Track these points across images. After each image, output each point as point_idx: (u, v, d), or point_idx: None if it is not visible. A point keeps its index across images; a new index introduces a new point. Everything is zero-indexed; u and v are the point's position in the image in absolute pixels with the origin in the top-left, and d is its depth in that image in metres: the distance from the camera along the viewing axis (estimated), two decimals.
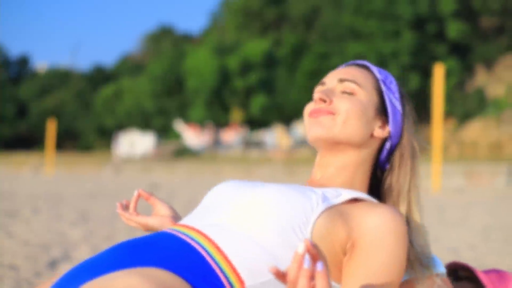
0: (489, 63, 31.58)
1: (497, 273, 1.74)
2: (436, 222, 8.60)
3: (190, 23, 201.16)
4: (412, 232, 1.49)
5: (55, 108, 58.28)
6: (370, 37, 31.16)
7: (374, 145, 1.60)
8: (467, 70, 31.75)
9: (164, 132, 46.28)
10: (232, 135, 48.34)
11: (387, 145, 1.59)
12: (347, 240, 1.40)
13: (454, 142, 28.44)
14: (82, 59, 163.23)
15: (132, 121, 43.56)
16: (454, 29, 29.32)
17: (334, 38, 34.78)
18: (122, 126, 47.45)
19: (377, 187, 1.62)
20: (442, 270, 1.58)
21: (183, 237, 1.39)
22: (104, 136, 52.45)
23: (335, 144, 1.55)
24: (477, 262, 5.58)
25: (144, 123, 42.90)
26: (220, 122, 36.92)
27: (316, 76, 35.55)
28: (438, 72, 15.14)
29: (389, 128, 1.59)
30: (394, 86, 1.63)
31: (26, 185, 18.27)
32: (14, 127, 58.94)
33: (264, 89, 35.07)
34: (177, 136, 50.60)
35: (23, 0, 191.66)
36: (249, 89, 34.97)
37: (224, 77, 34.49)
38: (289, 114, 37.26)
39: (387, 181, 1.58)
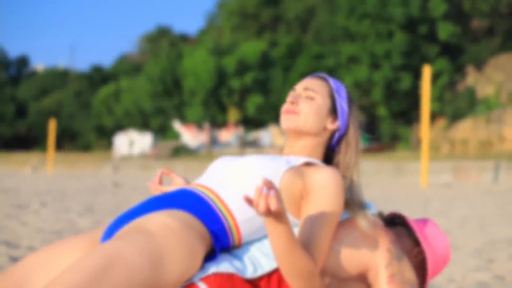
0: (479, 64, 31.93)
1: (424, 221, 2.32)
2: (419, 213, 9.20)
3: (187, 24, 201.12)
4: (352, 187, 2.14)
5: (53, 108, 58.45)
6: (363, 38, 31.53)
7: (326, 135, 2.25)
8: (458, 70, 32.07)
9: (162, 131, 46.61)
10: (228, 135, 48.83)
11: (337, 134, 2.26)
12: (303, 188, 2.07)
13: (445, 140, 28.87)
14: (80, 60, 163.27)
15: (131, 121, 43.86)
16: (445, 31, 29.60)
17: (328, 39, 35.16)
18: (120, 126, 47.72)
19: (327, 162, 2.28)
20: (374, 211, 2.19)
21: (195, 190, 2.06)
22: (103, 136, 52.67)
23: (298, 133, 2.21)
24: (451, 245, 6.18)
25: (142, 123, 43.20)
26: (217, 122, 37.34)
27: None
28: (426, 73, 15.64)
29: (337, 123, 2.23)
30: (344, 93, 2.27)
31: (29, 182, 18.77)
32: (13, 127, 59.06)
33: (260, 89, 35.46)
34: (175, 135, 50.99)
35: (21, 2, 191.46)
36: (245, 89, 35.35)
37: (221, 78, 34.83)
38: None
39: (336, 159, 2.25)
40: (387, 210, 7.47)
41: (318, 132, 2.20)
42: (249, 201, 1.75)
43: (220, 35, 47.99)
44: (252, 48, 35.65)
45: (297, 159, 2.15)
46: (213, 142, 42.20)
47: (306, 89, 2.23)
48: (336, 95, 2.23)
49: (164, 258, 1.81)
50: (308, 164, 2.15)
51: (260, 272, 2.00)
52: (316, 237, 1.95)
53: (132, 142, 48.42)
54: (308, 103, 2.19)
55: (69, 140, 60.07)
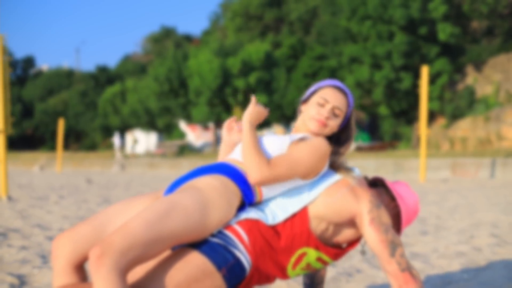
0: (479, 64, 32.33)
1: (399, 183, 2.99)
2: None
3: (191, 25, 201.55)
4: (341, 157, 2.88)
5: (59, 108, 58.99)
6: (365, 39, 31.97)
7: None
8: (458, 70, 32.47)
9: (169, 130, 47.14)
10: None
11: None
12: None
13: (445, 138, 29.37)
14: (85, 61, 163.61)
15: (137, 120, 44.39)
16: (445, 32, 29.95)
17: (330, 40, 35.68)
18: (127, 125, 48.25)
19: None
20: (359, 173, 2.86)
21: (228, 163, 2.84)
22: (109, 135, 53.18)
23: (320, 134, 2.91)
24: (438, 225, 6.84)
25: (148, 122, 43.70)
26: (222, 121, 37.84)
27: (314, 76, 36.59)
28: (424, 73, 16.19)
29: (342, 124, 2.97)
30: (352, 104, 2.96)
31: (42, 179, 19.40)
32: (19, 127, 59.54)
33: (264, 89, 35.92)
34: (180, 135, 51.54)
35: (26, 3, 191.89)
36: (250, 89, 35.82)
37: (226, 78, 35.29)
38: (287, 114, 38.14)
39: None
40: None
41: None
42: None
43: (224, 36, 48.53)
44: (256, 48, 36.14)
45: (296, 135, 2.90)
46: (218, 140, 42.74)
47: (337, 108, 2.90)
48: (349, 109, 2.96)
49: (210, 206, 2.54)
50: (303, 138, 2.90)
51: (277, 220, 2.74)
52: (281, 156, 2.73)
53: (137, 142, 49.03)
54: (335, 120, 2.90)
55: (75, 139, 60.66)
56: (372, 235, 2.69)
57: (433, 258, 4.69)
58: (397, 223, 2.91)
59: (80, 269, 2.65)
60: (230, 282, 2.53)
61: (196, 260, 2.48)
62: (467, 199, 10.51)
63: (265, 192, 2.76)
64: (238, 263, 2.54)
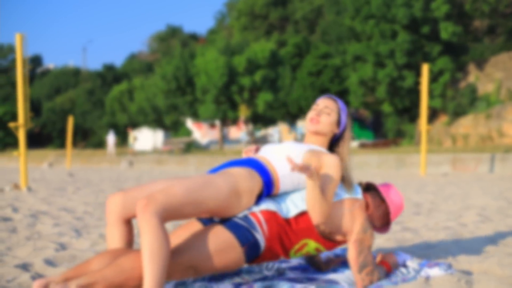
0: (480, 62, 32.79)
1: (387, 185, 3.68)
2: (414, 192, 10.39)
3: (196, 24, 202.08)
4: (347, 168, 3.54)
5: (66, 106, 59.55)
6: (368, 38, 32.48)
7: (331, 135, 3.61)
8: (460, 68, 32.96)
9: (175, 128, 47.66)
10: (238, 131, 49.96)
11: (337, 134, 3.63)
12: (318, 164, 3.37)
13: (447, 135, 29.89)
14: (92, 60, 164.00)
15: (144, 118, 44.85)
16: (447, 30, 30.42)
17: (335, 39, 36.21)
18: (134, 123, 48.75)
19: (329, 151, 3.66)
20: (359, 193, 3.51)
21: (257, 159, 3.50)
22: (117, 133, 53.66)
23: (317, 133, 3.55)
24: (432, 208, 7.40)
25: (156, 120, 44.17)
26: (228, 119, 38.32)
27: (318, 74, 37.14)
28: (425, 71, 16.71)
29: (339, 129, 3.60)
30: (345, 111, 3.62)
31: (54, 174, 19.90)
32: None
33: (269, 87, 36.37)
34: (187, 132, 52.07)
35: (33, 3, 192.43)
36: (255, 87, 36.28)
37: (232, 76, 35.74)
38: (292, 111, 38.63)
39: (335, 150, 3.64)
40: None
41: (328, 134, 3.59)
42: (291, 161, 3.13)
43: (230, 35, 49.03)
44: (261, 47, 36.58)
45: (315, 147, 3.53)
46: (224, 138, 43.16)
47: (326, 107, 3.59)
48: (341, 113, 3.62)
49: (236, 189, 3.18)
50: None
51: (290, 214, 3.38)
52: (326, 191, 3.32)
53: (143, 139, 49.60)
54: (326, 117, 3.57)
55: (82, 137, 61.26)
56: (351, 252, 3.40)
57: (423, 231, 5.27)
58: (386, 219, 3.64)
59: (128, 223, 3.26)
60: (248, 257, 3.18)
61: (225, 236, 3.12)
62: (463, 189, 11.04)
63: (282, 187, 3.40)
64: (256, 243, 3.18)
